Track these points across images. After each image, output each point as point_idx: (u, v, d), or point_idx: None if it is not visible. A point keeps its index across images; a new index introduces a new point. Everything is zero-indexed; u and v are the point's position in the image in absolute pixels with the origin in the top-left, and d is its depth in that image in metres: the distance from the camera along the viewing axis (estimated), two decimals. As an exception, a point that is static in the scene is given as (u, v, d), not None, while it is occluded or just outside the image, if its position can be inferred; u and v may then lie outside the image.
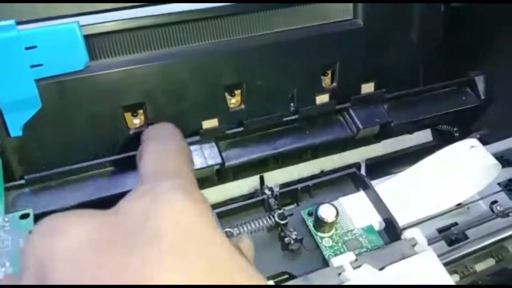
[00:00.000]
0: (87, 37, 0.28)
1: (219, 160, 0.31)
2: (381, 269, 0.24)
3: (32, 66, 0.26)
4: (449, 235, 0.32)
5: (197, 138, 0.31)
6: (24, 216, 0.25)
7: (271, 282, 0.25)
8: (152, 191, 0.17)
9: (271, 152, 0.33)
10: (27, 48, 0.26)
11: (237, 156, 0.32)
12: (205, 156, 0.31)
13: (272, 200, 0.30)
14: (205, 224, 0.16)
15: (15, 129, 0.27)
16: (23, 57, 0.26)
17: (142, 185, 0.18)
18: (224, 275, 0.15)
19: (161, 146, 0.24)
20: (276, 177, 0.36)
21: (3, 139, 0.28)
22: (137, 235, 0.15)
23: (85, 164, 0.29)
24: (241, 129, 0.32)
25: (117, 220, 0.16)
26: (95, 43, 0.29)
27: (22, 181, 0.28)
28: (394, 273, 0.23)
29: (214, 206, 0.29)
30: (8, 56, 0.25)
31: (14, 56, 0.25)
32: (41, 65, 0.27)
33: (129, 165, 0.30)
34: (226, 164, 0.31)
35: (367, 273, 0.24)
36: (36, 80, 0.27)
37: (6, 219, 0.25)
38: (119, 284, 0.14)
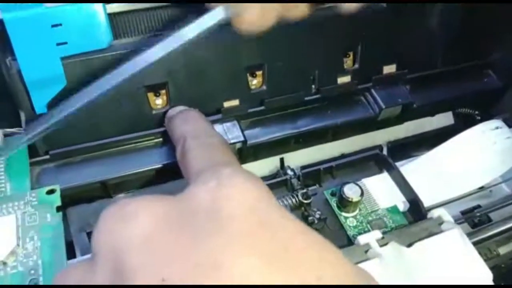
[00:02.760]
0: (111, 16, 0.28)
1: (241, 138, 0.31)
2: (408, 246, 0.24)
3: (58, 44, 0.26)
4: (472, 217, 0.32)
5: (219, 116, 0.31)
6: (50, 192, 0.25)
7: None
8: (216, 178, 0.17)
9: (293, 131, 0.33)
10: (53, 26, 0.26)
11: (258, 135, 0.32)
12: (227, 134, 0.31)
13: (295, 180, 0.30)
14: (271, 203, 0.16)
15: (41, 106, 0.27)
16: (49, 34, 0.26)
17: (201, 175, 0.18)
18: (298, 251, 0.15)
19: (204, 140, 0.25)
20: (295, 160, 0.36)
21: (28, 117, 0.28)
22: (207, 219, 0.15)
23: (107, 140, 0.29)
24: (262, 108, 0.32)
25: (186, 205, 0.16)
26: (119, 22, 0.29)
27: (47, 156, 0.28)
28: (421, 250, 0.23)
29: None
30: (35, 32, 0.25)
31: (41, 33, 0.25)
32: (66, 43, 0.27)
33: (151, 143, 0.30)
34: (248, 142, 0.31)
35: (394, 250, 0.24)
36: (62, 58, 0.27)
37: (33, 194, 0.25)
38: (196, 269, 0.14)
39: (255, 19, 0.20)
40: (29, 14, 0.25)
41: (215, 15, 0.21)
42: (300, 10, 0.21)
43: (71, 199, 0.29)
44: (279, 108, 0.33)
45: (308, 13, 0.22)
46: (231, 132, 0.31)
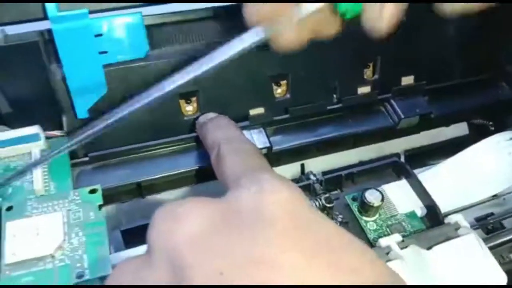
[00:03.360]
0: (148, 27, 0.30)
1: (267, 144, 0.32)
2: (427, 249, 0.25)
3: (100, 53, 0.28)
4: (486, 224, 0.33)
5: (246, 123, 0.33)
6: (92, 191, 0.27)
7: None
8: (256, 183, 0.18)
9: (315, 139, 0.34)
10: (96, 36, 0.28)
11: (283, 142, 0.33)
12: (254, 140, 0.32)
13: (317, 185, 0.32)
14: (307, 206, 0.18)
15: (82, 112, 0.29)
16: (92, 43, 0.28)
17: (241, 180, 0.20)
18: (337, 249, 0.16)
19: (238, 146, 0.26)
20: (314, 166, 0.37)
21: (70, 121, 0.30)
22: (252, 220, 0.17)
23: (143, 144, 0.31)
24: (286, 116, 0.34)
25: (229, 207, 0.18)
26: (155, 33, 0.31)
27: (86, 158, 0.30)
28: (440, 252, 0.25)
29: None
30: (80, 42, 0.27)
31: (85, 42, 0.27)
32: (106, 52, 0.29)
33: (182, 147, 0.32)
34: (274, 148, 0.33)
35: (414, 252, 0.25)
36: (103, 66, 0.28)
37: (76, 193, 0.27)
38: (247, 263, 0.15)
39: (292, 38, 0.21)
40: (76, 25, 0.27)
41: (254, 35, 0.23)
42: (333, 28, 0.23)
43: (106, 199, 0.31)
44: (302, 116, 0.35)
45: (339, 30, 0.23)
46: (258, 138, 0.33)
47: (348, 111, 0.35)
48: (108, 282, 0.19)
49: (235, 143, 0.27)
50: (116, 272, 0.18)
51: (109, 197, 0.31)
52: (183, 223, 0.17)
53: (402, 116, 0.35)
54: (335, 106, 0.35)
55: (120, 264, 0.19)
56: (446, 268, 0.24)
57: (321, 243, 0.16)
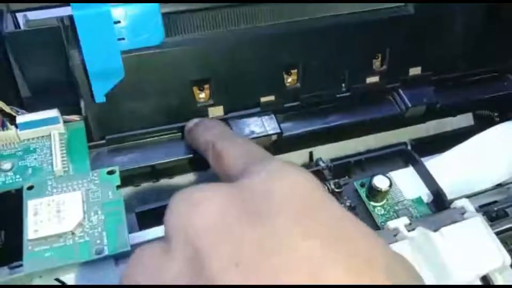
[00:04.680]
0: (164, 15, 0.31)
1: (278, 130, 0.33)
2: (434, 231, 0.26)
3: (118, 39, 0.29)
4: (490, 212, 0.34)
5: (257, 109, 0.34)
6: (110, 172, 0.28)
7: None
8: (266, 170, 0.19)
9: (324, 126, 0.35)
10: (115, 23, 0.29)
11: (293, 128, 0.34)
12: (265, 126, 0.33)
13: (326, 171, 0.33)
14: (321, 191, 0.18)
15: (100, 96, 0.30)
16: (111, 30, 0.29)
17: (249, 169, 0.20)
18: (351, 235, 0.16)
19: (235, 140, 0.26)
20: (323, 154, 0.38)
21: (88, 105, 0.30)
22: (265, 207, 0.17)
23: (158, 128, 0.32)
24: (297, 103, 0.35)
25: (243, 193, 0.18)
26: (171, 21, 0.31)
27: (103, 141, 0.31)
28: (447, 234, 0.26)
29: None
30: (100, 28, 0.28)
31: (104, 29, 0.28)
32: (123, 39, 0.30)
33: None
34: (284, 134, 0.34)
35: (422, 234, 0.26)
36: (121, 52, 0.29)
37: (95, 174, 0.28)
38: (264, 248, 0.15)
39: None
40: (96, 11, 0.28)
41: None
42: None
43: (122, 181, 0.32)
44: (312, 104, 0.35)
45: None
46: (269, 124, 0.33)
47: (357, 100, 0.36)
48: (127, 271, 0.19)
49: (230, 138, 0.26)
50: (138, 256, 0.19)
51: (124, 179, 0.32)
52: (201, 207, 0.17)
53: (409, 105, 0.36)
54: (344, 95, 0.36)
55: (138, 251, 0.19)
56: (453, 249, 0.25)
57: (335, 229, 0.16)
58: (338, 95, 0.36)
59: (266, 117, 0.34)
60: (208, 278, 0.15)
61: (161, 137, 0.33)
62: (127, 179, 0.32)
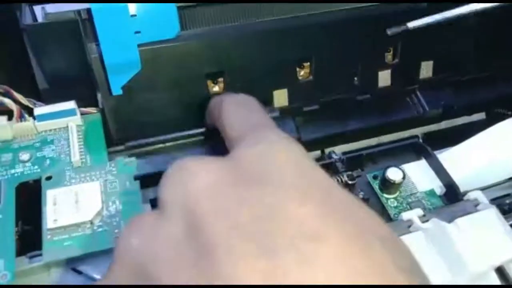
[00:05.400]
0: (179, 8, 0.31)
1: (295, 135, 0.34)
2: (449, 222, 0.26)
3: (135, 33, 0.29)
4: (502, 205, 0.34)
5: (276, 114, 0.35)
6: (128, 163, 0.28)
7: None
8: (261, 141, 0.19)
9: (342, 130, 0.36)
10: (131, 16, 0.29)
11: (311, 132, 0.35)
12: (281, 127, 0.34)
13: (339, 164, 0.33)
14: (312, 162, 0.19)
15: (117, 88, 0.30)
16: (128, 23, 0.29)
17: (245, 138, 0.20)
18: (344, 200, 0.17)
19: (240, 99, 0.27)
20: (335, 148, 0.38)
21: (104, 97, 0.31)
22: (259, 176, 0.17)
23: (175, 135, 0.33)
24: (315, 107, 0.36)
25: (237, 164, 0.18)
26: (186, 15, 0.32)
27: (122, 147, 0.32)
28: (461, 225, 0.26)
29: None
30: (118, 21, 0.28)
31: (122, 22, 0.29)
32: (140, 32, 0.30)
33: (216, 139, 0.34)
34: (302, 139, 0.34)
35: (436, 225, 0.26)
36: (138, 45, 0.30)
37: (112, 164, 0.28)
38: (261, 211, 0.16)
39: None
40: (113, 5, 0.28)
41: None
42: None
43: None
44: (329, 107, 0.36)
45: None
46: (286, 127, 0.34)
47: (374, 103, 0.37)
48: (122, 234, 0.19)
49: (237, 97, 0.27)
50: (135, 221, 0.18)
51: (142, 183, 0.32)
52: (197, 175, 0.17)
53: (427, 109, 0.36)
54: (362, 97, 0.36)
55: (134, 217, 0.19)
56: (468, 240, 0.25)
57: (328, 195, 0.17)
58: (356, 98, 0.36)
59: (284, 120, 0.34)
60: (204, 242, 0.15)
61: (178, 142, 0.33)
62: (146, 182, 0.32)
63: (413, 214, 0.27)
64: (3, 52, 0.31)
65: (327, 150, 0.38)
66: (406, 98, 0.37)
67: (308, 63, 0.35)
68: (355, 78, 0.37)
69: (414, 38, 0.36)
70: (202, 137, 0.34)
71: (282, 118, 0.35)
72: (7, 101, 0.30)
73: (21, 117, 0.30)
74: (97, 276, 0.27)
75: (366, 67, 0.36)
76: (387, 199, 0.31)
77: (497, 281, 0.25)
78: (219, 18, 0.33)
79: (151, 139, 0.33)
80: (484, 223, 0.26)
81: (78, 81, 0.31)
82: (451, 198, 0.31)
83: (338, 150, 0.37)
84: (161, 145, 0.33)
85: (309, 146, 0.35)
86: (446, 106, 0.37)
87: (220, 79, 0.34)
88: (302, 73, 0.36)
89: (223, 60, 0.33)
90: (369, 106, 0.37)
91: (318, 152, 0.38)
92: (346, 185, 0.31)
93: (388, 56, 0.37)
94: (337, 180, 0.31)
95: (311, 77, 0.35)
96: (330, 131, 0.36)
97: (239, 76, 0.34)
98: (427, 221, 0.27)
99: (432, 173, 0.32)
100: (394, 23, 0.35)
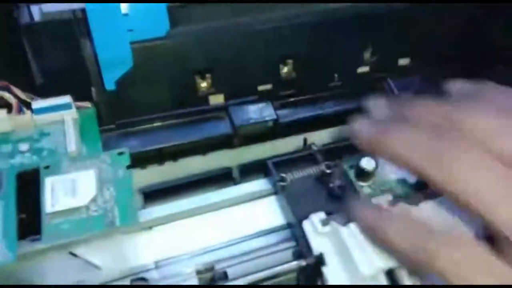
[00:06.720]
0: (169, 8, 0.33)
1: (274, 116, 0.36)
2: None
3: (128, 31, 0.31)
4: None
5: (255, 97, 0.37)
6: (121, 153, 0.31)
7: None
8: None
9: (318, 113, 0.38)
10: (123, 15, 0.31)
11: (288, 115, 0.37)
12: (262, 112, 0.36)
13: (318, 155, 0.35)
14: None
15: (110, 84, 0.33)
16: (121, 22, 0.31)
17: None
18: None
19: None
20: (317, 139, 0.41)
21: (98, 92, 0.33)
22: None
23: (164, 114, 0.35)
24: (292, 91, 0.38)
25: None
26: (175, 13, 0.34)
27: (112, 126, 0.34)
28: (429, 209, 0.28)
29: (271, 158, 0.34)
30: (111, 20, 0.30)
31: (115, 20, 0.31)
32: (132, 30, 0.32)
33: (197, 118, 0.36)
34: (280, 120, 0.36)
35: (403, 209, 0.29)
36: (130, 43, 0.32)
37: (107, 155, 0.30)
38: None
39: None
40: (107, 4, 0.30)
41: None
42: None
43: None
44: (306, 92, 0.38)
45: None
46: (265, 111, 0.36)
47: (349, 89, 0.39)
48: None
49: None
50: None
51: (132, 162, 0.34)
52: None
53: (397, 93, 0.38)
54: (337, 83, 0.39)
55: None
56: (435, 220, 0.27)
57: None
58: (331, 84, 0.38)
59: (264, 104, 0.37)
60: None
61: (168, 122, 0.35)
62: (135, 161, 0.34)
63: (383, 200, 0.30)
64: (2, 50, 0.33)
65: (308, 141, 0.40)
66: (378, 85, 0.40)
67: (291, 61, 0.38)
68: (336, 75, 0.39)
69: (391, 38, 0.39)
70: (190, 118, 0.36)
71: (261, 101, 0.37)
72: (7, 95, 0.32)
73: (19, 111, 0.32)
74: (93, 260, 0.29)
75: (345, 65, 0.39)
76: (361, 186, 0.33)
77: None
78: (207, 17, 0.35)
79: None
80: (451, 206, 0.28)
81: (73, 76, 0.33)
82: (421, 187, 0.33)
83: (317, 136, 0.40)
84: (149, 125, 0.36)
85: (287, 129, 0.38)
86: (416, 92, 0.39)
87: (208, 75, 0.36)
88: (285, 69, 0.38)
89: (210, 57, 0.35)
90: (344, 92, 0.39)
91: (299, 138, 0.40)
92: (323, 174, 0.33)
93: (367, 55, 0.39)
94: (315, 171, 0.33)
95: (293, 74, 0.38)
96: (306, 114, 0.38)
97: (226, 72, 0.36)
98: (393, 206, 0.29)
99: (404, 163, 0.35)
100: (372, 23, 0.38)
